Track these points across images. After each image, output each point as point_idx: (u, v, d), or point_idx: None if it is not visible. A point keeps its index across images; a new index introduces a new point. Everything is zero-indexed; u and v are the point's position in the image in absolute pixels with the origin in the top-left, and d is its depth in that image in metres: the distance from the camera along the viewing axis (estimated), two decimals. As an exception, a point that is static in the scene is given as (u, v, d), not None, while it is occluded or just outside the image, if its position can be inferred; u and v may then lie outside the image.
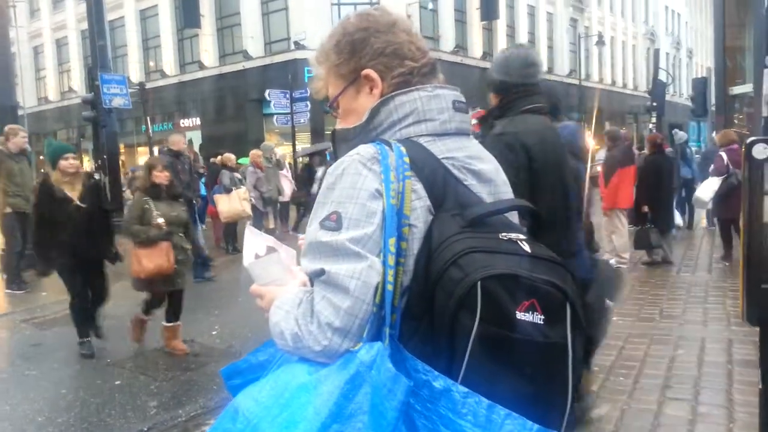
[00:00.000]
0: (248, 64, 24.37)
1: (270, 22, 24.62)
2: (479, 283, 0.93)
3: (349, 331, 0.99)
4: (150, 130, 13.18)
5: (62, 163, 4.98)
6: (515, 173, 2.06)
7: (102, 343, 5.40)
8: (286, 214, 13.46)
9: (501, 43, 29.30)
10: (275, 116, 18.22)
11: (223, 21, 26.10)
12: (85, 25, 21.87)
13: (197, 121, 26.90)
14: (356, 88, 1.22)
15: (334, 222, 1.03)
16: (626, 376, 4.24)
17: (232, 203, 9.80)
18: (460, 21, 27.02)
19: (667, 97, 28.85)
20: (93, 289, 5.29)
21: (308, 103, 17.63)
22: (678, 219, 9.28)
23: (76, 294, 5.12)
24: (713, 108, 19.21)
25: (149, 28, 29.08)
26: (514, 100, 2.39)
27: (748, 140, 1.60)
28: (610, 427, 3.47)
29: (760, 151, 1.56)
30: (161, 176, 5.05)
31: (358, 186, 1.05)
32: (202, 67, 26.42)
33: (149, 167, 5.17)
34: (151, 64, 29.30)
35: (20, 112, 17.69)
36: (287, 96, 17.60)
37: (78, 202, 4.97)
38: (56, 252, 4.92)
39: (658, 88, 19.10)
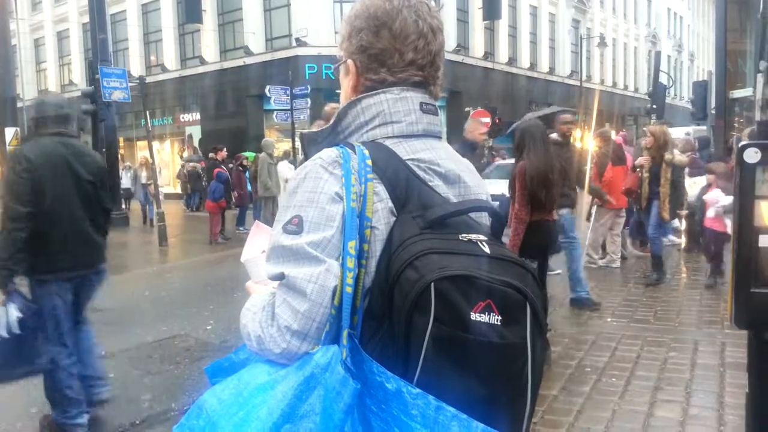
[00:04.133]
0: (249, 60, 24.34)
1: (272, 18, 24.57)
2: (433, 284, 0.92)
3: (307, 334, 1.00)
4: (149, 125, 13.18)
5: None
6: (17, 176, 3.24)
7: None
8: None
9: (503, 44, 29.30)
10: (275, 112, 18.19)
11: (224, 16, 26.05)
12: (86, 18, 21.82)
13: (197, 116, 26.87)
14: (345, 68, 1.23)
15: (296, 226, 1.04)
16: (618, 377, 4.25)
17: None
18: (462, 21, 26.97)
19: (668, 100, 28.81)
20: None
21: (308, 99, 17.62)
22: (675, 221, 9.30)
23: None
24: (713, 111, 19.18)
25: (150, 23, 29.00)
26: (40, 127, 3.48)
27: (740, 144, 1.61)
28: (601, 428, 3.48)
29: (751, 156, 1.57)
30: None
31: (318, 190, 1.05)
32: (203, 62, 26.38)
33: None
34: (152, 58, 29.25)
35: (19, 104, 17.69)
36: (287, 92, 17.58)
37: None
38: None
39: (658, 91, 19.09)
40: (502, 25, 28.89)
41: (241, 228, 13.00)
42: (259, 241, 1.45)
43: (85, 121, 17.65)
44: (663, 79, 22.72)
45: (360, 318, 1.01)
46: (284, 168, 12.11)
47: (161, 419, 3.80)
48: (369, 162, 1.07)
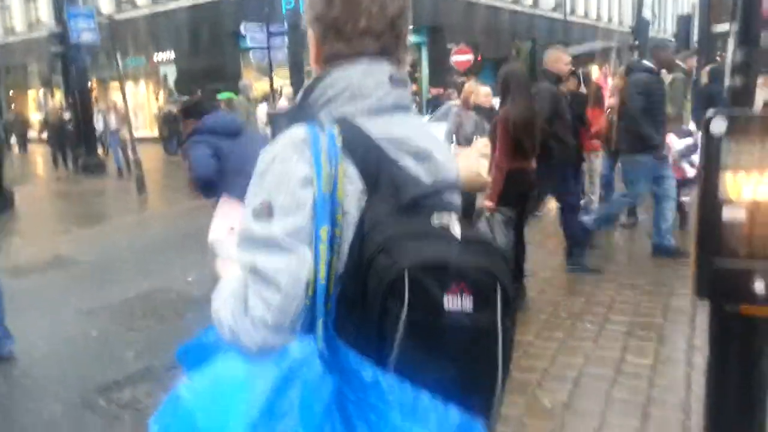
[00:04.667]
0: (223, -5, 23.42)
1: (245, -52, 23.51)
2: (406, 271, 0.92)
3: (282, 327, 0.99)
4: (120, 67, 12.79)
5: None
6: None
7: (76, 291, 5.42)
8: None
9: (485, -25, 28.45)
10: (251, 51, 17.59)
11: (195, -53, 24.88)
12: (49, -48, 20.68)
13: (171, 55, 26.05)
14: (310, 38, 1.21)
15: (266, 212, 1.02)
16: (593, 322, 4.36)
17: (468, 160, 7.20)
18: (443, -50, 26.05)
19: (652, 33, 28.42)
20: None
21: (286, 38, 17.07)
22: None
23: None
24: (696, 45, 18.99)
25: (118, -46, 27.70)
26: None
27: (707, 115, 1.60)
28: (574, 374, 3.59)
29: (718, 125, 1.56)
30: None
31: (288, 173, 1.03)
32: (174, -4, 25.35)
33: None
34: (122, -8, 28.02)
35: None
36: (264, 29, 16.96)
37: None
38: None
39: (641, 27, 18.83)
40: (485, -44, 28.01)
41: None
42: (226, 217, 1.43)
43: (54, 64, 17.10)
44: (647, 14, 22.35)
45: (333, 302, 1.01)
46: (263, 111, 11.96)
47: (145, 376, 3.83)
48: (338, 142, 1.05)
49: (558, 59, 5.35)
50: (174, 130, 18.91)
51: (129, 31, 26.09)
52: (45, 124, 16.48)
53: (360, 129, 1.09)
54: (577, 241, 5.54)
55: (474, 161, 6.52)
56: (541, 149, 4.67)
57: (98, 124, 15.61)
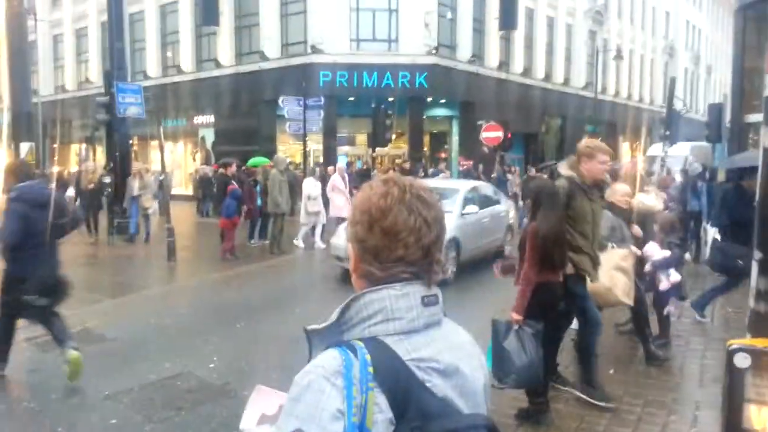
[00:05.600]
0: (264, 65, 24.41)
1: (288, 23, 24.61)
2: None
3: None
4: (161, 131, 13.57)
5: None
6: None
7: (100, 371, 5.47)
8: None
9: (518, 54, 29.17)
10: (288, 123, 18.18)
11: (241, 20, 26.15)
12: (105, 17, 21.91)
13: (211, 118, 27.01)
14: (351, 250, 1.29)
15: None
16: (617, 445, 4.24)
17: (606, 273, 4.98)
18: (478, 30, 26.87)
19: (683, 112, 28.55)
20: None
21: (321, 111, 17.64)
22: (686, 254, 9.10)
23: None
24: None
25: (168, 24, 29.22)
26: None
27: (729, 347, 1.63)
28: None
29: (741, 360, 1.59)
30: None
31: (321, 406, 1.09)
32: (218, 65, 26.49)
33: None
34: (169, 55, 29.35)
35: (35, 100, 17.97)
36: (301, 103, 17.60)
37: None
38: None
39: (672, 118, 18.97)
40: (518, 36, 28.76)
41: (251, 241, 13.15)
42: (259, 406, 1.47)
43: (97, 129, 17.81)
44: (678, 104, 22.55)
45: None
46: (309, 185, 12.55)
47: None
48: (371, 369, 1.11)
49: None
50: (208, 193, 19.43)
51: (172, 94, 27.26)
52: (77, 187, 15.37)
53: (391, 351, 1.15)
54: None
55: (606, 274, 6.20)
56: None
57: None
